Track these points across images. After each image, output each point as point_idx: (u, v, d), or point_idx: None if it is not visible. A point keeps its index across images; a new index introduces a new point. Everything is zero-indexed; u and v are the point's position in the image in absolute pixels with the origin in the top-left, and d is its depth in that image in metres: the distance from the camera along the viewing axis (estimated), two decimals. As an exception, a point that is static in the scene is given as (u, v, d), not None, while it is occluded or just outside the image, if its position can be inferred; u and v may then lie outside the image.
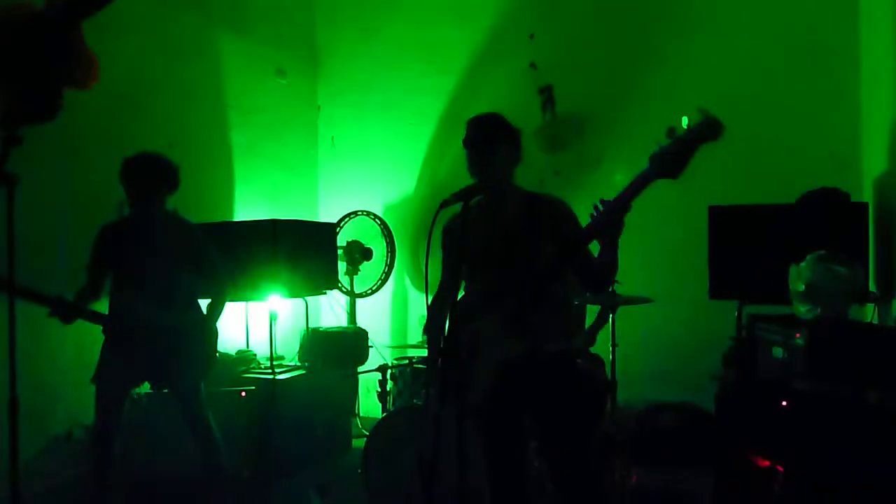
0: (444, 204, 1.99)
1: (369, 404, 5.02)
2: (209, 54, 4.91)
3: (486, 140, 2.50)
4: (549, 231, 2.40)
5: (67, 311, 3.13)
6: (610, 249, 2.28)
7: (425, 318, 2.73)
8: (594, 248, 2.36)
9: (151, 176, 3.30)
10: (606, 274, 2.40)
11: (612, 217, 2.17)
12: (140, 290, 3.24)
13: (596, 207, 2.22)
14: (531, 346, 2.35)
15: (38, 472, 3.51)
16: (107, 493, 3.25)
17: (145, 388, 3.50)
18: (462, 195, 2.02)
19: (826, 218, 3.26)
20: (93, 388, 3.28)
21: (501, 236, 2.44)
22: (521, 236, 2.40)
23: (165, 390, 3.43)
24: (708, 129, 2.04)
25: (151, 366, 3.28)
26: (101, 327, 3.28)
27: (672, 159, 2.06)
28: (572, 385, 2.48)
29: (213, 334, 3.45)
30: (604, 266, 2.34)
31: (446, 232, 2.62)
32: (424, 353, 3.92)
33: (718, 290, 3.44)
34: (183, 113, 4.64)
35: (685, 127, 2.06)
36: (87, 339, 3.71)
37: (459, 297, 2.51)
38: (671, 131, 2.08)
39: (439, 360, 2.50)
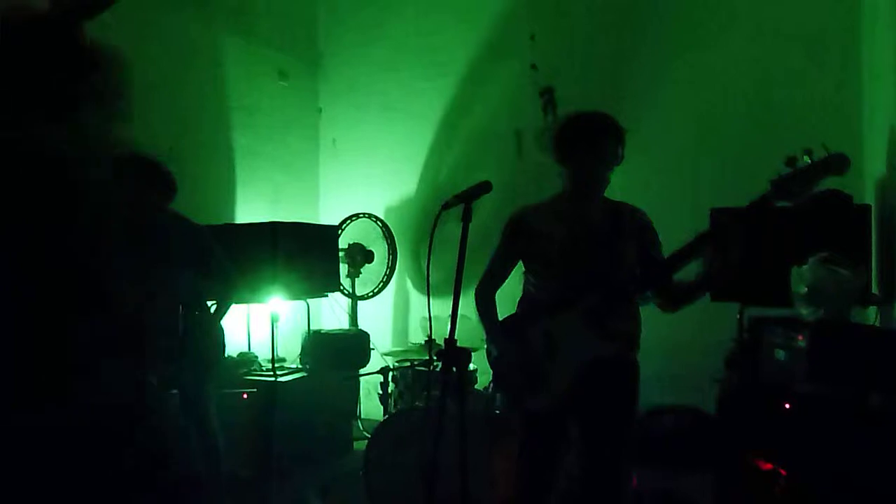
0: (446, 206, 1.99)
1: (370, 406, 5.02)
2: (211, 56, 4.91)
3: (614, 145, 2.45)
4: (634, 239, 2.45)
5: None
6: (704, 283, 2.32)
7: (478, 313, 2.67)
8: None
9: (146, 177, 3.28)
10: (687, 302, 2.44)
11: (728, 237, 2.23)
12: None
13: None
14: (618, 347, 2.40)
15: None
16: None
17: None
18: (464, 197, 2.01)
19: (828, 220, 3.24)
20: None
21: (587, 238, 2.43)
22: (607, 240, 2.41)
23: (173, 391, 3.44)
24: (834, 165, 2.14)
25: (158, 365, 3.29)
26: None
27: (796, 188, 2.16)
28: (635, 391, 2.51)
29: (220, 334, 3.45)
30: (688, 295, 2.40)
31: (517, 222, 2.57)
32: (425, 356, 3.92)
33: (720, 292, 3.42)
34: (185, 115, 4.64)
35: (806, 159, 2.16)
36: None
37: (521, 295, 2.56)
38: (791, 160, 2.18)
39: (498, 356, 2.50)
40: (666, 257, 2.41)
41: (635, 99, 4.75)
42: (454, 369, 2.07)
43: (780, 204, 2.24)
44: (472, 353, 2.39)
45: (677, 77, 4.65)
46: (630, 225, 2.47)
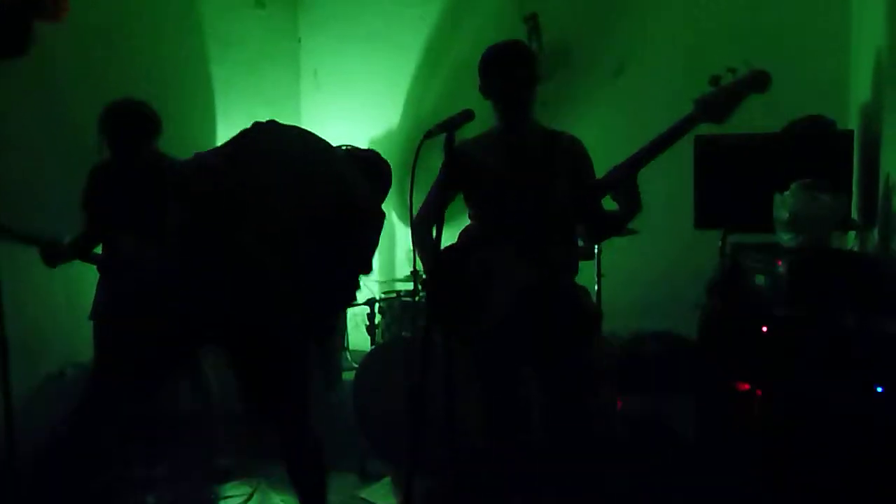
0: (428, 135, 1.97)
1: (358, 337, 5.07)
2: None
3: (526, 72, 2.46)
4: (568, 167, 2.46)
5: (56, 253, 3.14)
6: (630, 203, 2.33)
7: (413, 242, 2.72)
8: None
9: (134, 126, 3.24)
10: (616, 230, 2.50)
11: (650, 156, 2.22)
12: (132, 230, 3.24)
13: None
14: (549, 276, 2.42)
15: (33, 410, 3.55)
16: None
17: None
18: (446, 126, 2.00)
19: (811, 146, 3.25)
20: (84, 327, 3.31)
21: (521, 168, 2.46)
22: (541, 169, 2.43)
23: None
24: (756, 82, 2.14)
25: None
26: (97, 266, 3.31)
27: (720, 105, 2.14)
28: (580, 315, 2.55)
29: None
30: (616, 222, 2.43)
31: (453, 155, 2.57)
32: (411, 286, 3.96)
33: (703, 219, 3.45)
34: (160, 46, 4.52)
35: (729, 77, 2.15)
36: (76, 278, 3.72)
37: (465, 225, 2.58)
38: (715, 79, 2.17)
39: (437, 283, 2.52)
40: (594, 182, 2.45)
41: (622, 24, 4.69)
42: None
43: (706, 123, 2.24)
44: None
45: (666, 4, 4.56)
46: (565, 153, 2.49)
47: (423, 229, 2.64)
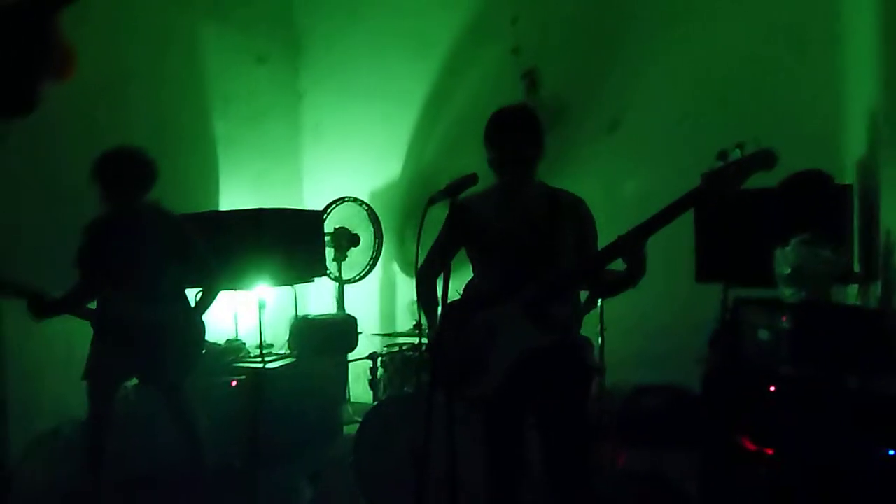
0: (432, 201, 1.99)
1: (359, 389, 5.03)
2: (188, 43, 4.85)
3: (530, 138, 2.47)
4: (571, 227, 2.46)
5: (44, 306, 3.11)
6: (636, 267, 2.32)
7: (416, 300, 2.72)
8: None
9: (128, 172, 3.25)
10: (620, 291, 2.45)
11: (657, 225, 2.22)
12: (125, 286, 3.23)
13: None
14: (556, 336, 2.41)
15: (27, 469, 3.49)
16: (99, 488, 3.27)
17: (133, 382, 3.51)
18: (450, 190, 2.02)
19: (810, 200, 3.28)
20: (81, 383, 3.28)
21: (525, 227, 2.46)
22: (545, 229, 2.43)
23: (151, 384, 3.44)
24: (763, 159, 2.17)
25: (138, 361, 3.28)
26: (90, 322, 3.28)
27: (728, 180, 2.16)
28: (581, 372, 2.55)
29: (200, 328, 3.43)
30: (619, 285, 2.40)
31: (458, 209, 2.54)
32: (414, 340, 3.94)
33: (704, 273, 3.46)
34: (163, 103, 4.59)
35: (737, 153, 2.19)
36: (76, 334, 3.69)
37: (469, 280, 2.57)
38: (723, 154, 2.19)
39: (439, 345, 2.51)
40: (597, 252, 2.42)
41: (618, 81, 4.77)
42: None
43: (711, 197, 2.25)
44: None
45: (660, 59, 4.64)
46: (569, 214, 2.49)
47: (426, 285, 2.65)
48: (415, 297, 2.77)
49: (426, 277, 2.66)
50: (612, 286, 2.47)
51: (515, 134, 2.45)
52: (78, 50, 3.78)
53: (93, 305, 3.34)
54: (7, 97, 3.61)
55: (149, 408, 3.54)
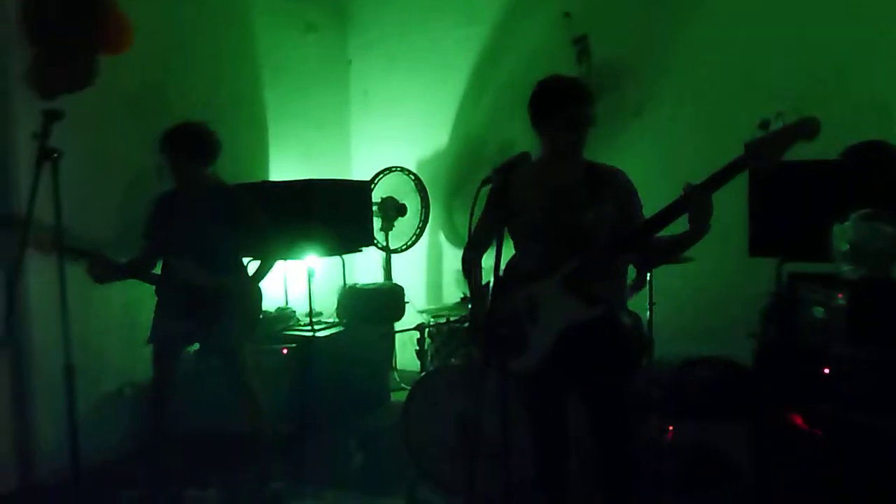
0: (486, 181, 1.99)
1: (406, 357, 5.10)
2: (239, 12, 4.87)
3: (582, 109, 2.42)
4: (611, 198, 2.42)
5: (105, 269, 3.22)
6: (686, 242, 2.27)
7: (464, 278, 2.73)
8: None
9: (194, 147, 3.35)
10: (676, 253, 2.41)
11: (702, 200, 2.16)
12: (188, 255, 3.33)
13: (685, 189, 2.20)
14: (599, 310, 2.39)
15: (93, 428, 3.66)
16: (162, 447, 3.42)
17: (195, 347, 3.64)
18: (504, 169, 2.01)
19: (872, 173, 3.17)
20: (142, 347, 3.41)
21: (563, 201, 2.44)
22: (583, 202, 2.40)
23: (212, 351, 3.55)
24: (805, 128, 2.08)
25: (199, 326, 3.39)
26: (154, 289, 3.40)
27: (769, 150, 2.10)
28: (624, 346, 2.52)
29: (257, 296, 3.52)
30: (675, 246, 2.34)
31: (500, 188, 2.58)
32: (462, 312, 3.97)
33: (758, 247, 3.38)
34: (217, 73, 4.64)
35: (779, 122, 2.11)
36: (134, 300, 3.84)
37: (507, 259, 2.54)
38: (765, 123, 2.13)
39: (485, 319, 2.52)
40: (644, 220, 2.37)
41: (673, 48, 4.64)
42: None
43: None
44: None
45: (718, 22, 4.49)
46: (608, 186, 2.45)
47: (471, 262, 2.67)
48: (460, 267, 2.78)
49: (469, 256, 2.68)
50: (667, 250, 2.40)
51: (576, 107, 2.41)
52: (134, 22, 3.87)
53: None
54: (65, 70, 3.71)
55: (210, 372, 3.65)
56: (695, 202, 2.16)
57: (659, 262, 2.66)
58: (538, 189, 2.47)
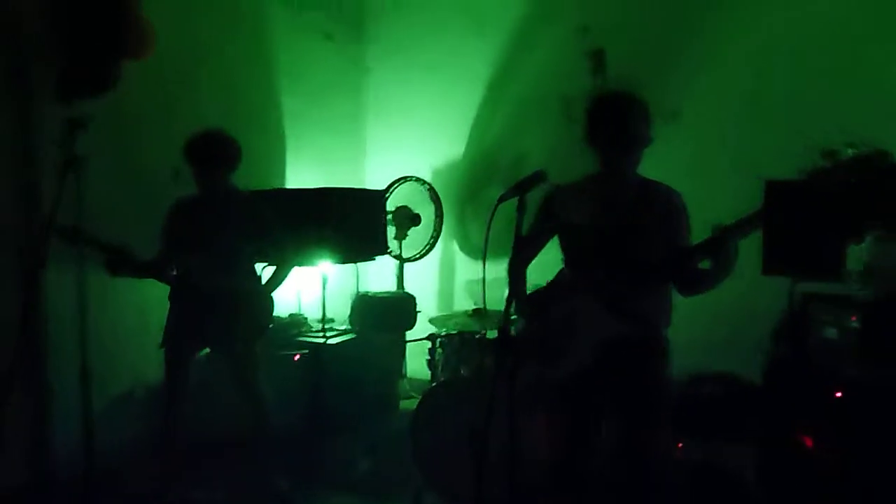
0: (502, 199, 2.01)
1: (416, 366, 5.11)
2: (257, 19, 4.92)
3: (630, 126, 2.44)
4: (663, 220, 2.43)
5: (122, 263, 3.26)
6: (724, 267, 2.28)
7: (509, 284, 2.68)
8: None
9: (214, 154, 3.40)
10: (707, 288, 2.41)
11: (752, 225, 2.19)
12: (204, 259, 3.37)
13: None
14: (636, 329, 2.40)
15: (103, 428, 3.70)
16: (174, 450, 3.45)
17: (205, 351, 3.68)
18: (519, 188, 2.03)
19: (887, 193, 3.16)
20: (155, 350, 3.45)
21: (614, 218, 2.44)
22: (633, 220, 2.41)
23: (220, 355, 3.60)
24: (878, 161, 2.06)
25: (211, 330, 3.43)
26: (168, 294, 3.44)
27: (832, 181, 2.09)
28: (659, 368, 2.52)
29: (268, 302, 3.56)
30: (707, 281, 2.37)
31: (549, 200, 2.60)
32: (469, 322, 3.98)
33: (772, 265, 3.38)
34: (234, 80, 4.69)
35: (849, 152, 2.08)
36: (150, 304, 3.88)
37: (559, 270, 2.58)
38: (831, 153, 2.11)
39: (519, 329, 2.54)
40: (690, 247, 2.38)
41: (689, 62, 4.64)
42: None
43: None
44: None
45: (736, 37, 4.46)
46: (662, 207, 2.45)
47: (517, 271, 2.66)
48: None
49: (516, 266, 2.67)
50: (697, 282, 2.42)
51: (626, 116, 2.41)
52: (155, 28, 3.91)
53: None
54: (87, 75, 3.76)
55: (220, 377, 3.69)
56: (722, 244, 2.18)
57: (698, 290, 2.50)
58: (590, 203, 2.48)
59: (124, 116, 3.89)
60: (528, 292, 2.67)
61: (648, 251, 2.39)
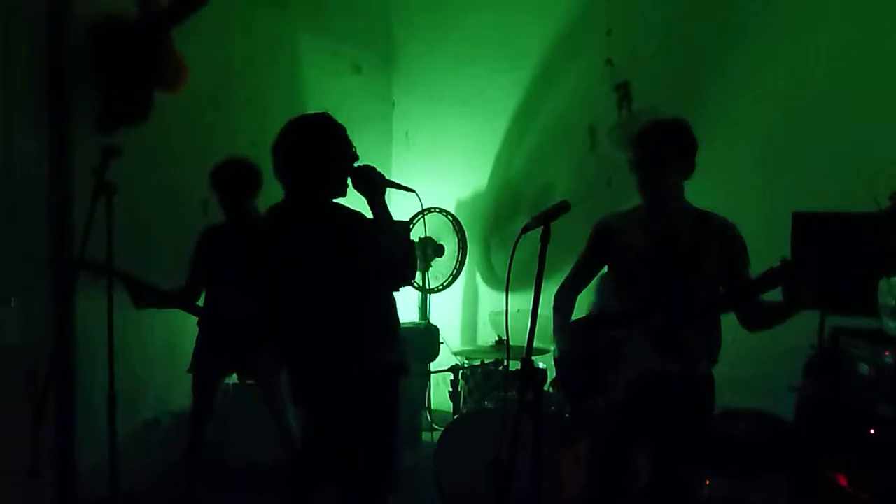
0: (526, 229, 2.01)
1: (439, 397, 5.09)
2: (287, 52, 5.03)
3: (668, 150, 2.41)
4: (718, 251, 2.38)
5: (145, 294, 3.30)
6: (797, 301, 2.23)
7: (552, 314, 2.68)
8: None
9: (238, 181, 3.46)
10: (776, 322, 2.35)
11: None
12: (228, 287, 3.41)
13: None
14: (680, 366, 2.36)
15: (129, 455, 3.71)
16: (198, 476, 3.46)
17: (232, 378, 3.70)
18: (542, 218, 2.03)
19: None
20: (182, 376, 3.48)
21: (666, 250, 2.41)
22: (687, 253, 2.37)
23: (250, 381, 3.61)
24: None
25: (239, 357, 3.46)
26: (197, 319, 3.48)
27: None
28: (701, 408, 2.47)
29: None
30: (773, 318, 2.32)
31: (600, 230, 2.58)
32: (496, 355, 3.96)
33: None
34: (263, 111, 4.76)
35: None
36: (177, 329, 3.92)
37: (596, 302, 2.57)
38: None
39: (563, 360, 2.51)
40: (752, 280, 2.32)
41: (716, 95, 4.63)
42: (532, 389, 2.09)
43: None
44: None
45: (762, 70, 4.45)
46: (715, 239, 2.40)
47: (563, 300, 2.65)
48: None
49: (563, 293, 2.66)
50: (768, 313, 2.35)
51: (662, 151, 2.39)
52: (189, 60, 4.02)
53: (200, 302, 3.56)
54: (125, 105, 3.87)
55: (247, 404, 3.70)
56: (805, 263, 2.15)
57: (766, 324, 2.41)
58: (640, 234, 2.46)
59: (156, 148, 3.98)
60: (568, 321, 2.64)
61: (702, 283, 2.36)
